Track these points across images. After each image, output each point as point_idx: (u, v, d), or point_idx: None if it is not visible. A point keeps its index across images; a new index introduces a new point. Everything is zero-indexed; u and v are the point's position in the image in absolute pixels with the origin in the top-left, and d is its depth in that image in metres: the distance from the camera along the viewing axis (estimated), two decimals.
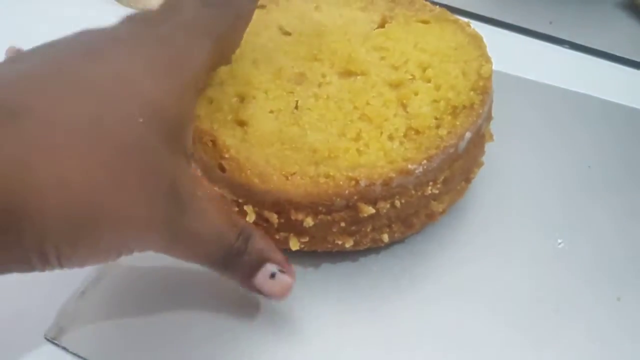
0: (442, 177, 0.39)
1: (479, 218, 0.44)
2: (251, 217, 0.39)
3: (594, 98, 0.52)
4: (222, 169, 0.38)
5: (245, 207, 0.39)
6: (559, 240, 0.43)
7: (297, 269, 0.42)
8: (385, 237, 0.40)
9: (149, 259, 0.36)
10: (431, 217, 0.41)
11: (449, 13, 0.46)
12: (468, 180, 0.42)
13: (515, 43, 0.60)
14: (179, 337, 0.40)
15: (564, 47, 0.59)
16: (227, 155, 0.38)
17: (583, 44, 0.59)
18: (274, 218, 0.39)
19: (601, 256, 0.42)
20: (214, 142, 0.39)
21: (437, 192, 0.39)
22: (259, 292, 0.35)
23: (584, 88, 0.53)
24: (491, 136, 0.42)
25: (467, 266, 0.42)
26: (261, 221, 0.39)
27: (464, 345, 0.39)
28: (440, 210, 0.41)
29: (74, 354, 0.39)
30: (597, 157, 0.48)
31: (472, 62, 0.42)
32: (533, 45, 0.61)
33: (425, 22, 0.45)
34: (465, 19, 0.46)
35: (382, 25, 0.45)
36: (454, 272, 0.42)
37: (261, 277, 0.35)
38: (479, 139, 0.41)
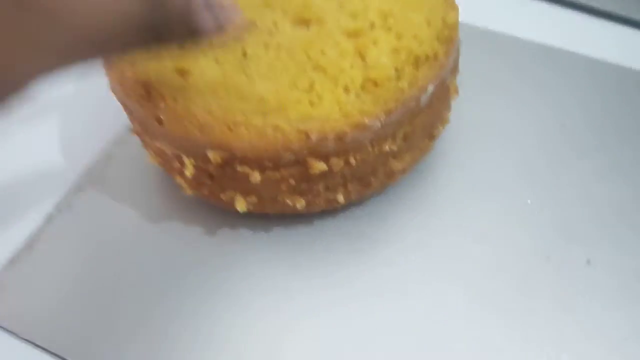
0: (402, 133, 0.35)
1: (442, 178, 0.41)
2: (190, 171, 0.33)
3: (567, 52, 0.48)
4: (160, 122, 0.33)
5: (185, 161, 0.33)
6: (528, 201, 0.38)
7: (246, 233, 0.37)
8: (341, 198, 0.35)
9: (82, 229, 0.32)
10: (391, 176, 0.36)
11: None
12: (431, 137, 0.38)
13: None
14: (112, 309, 0.34)
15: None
16: (162, 105, 0.33)
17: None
18: (218, 172, 0.33)
19: (570, 217, 0.37)
20: (148, 92, 0.33)
21: (396, 149, 0.34)
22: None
23: (556, 42, 0.48)
24: (456, 89, 0.38)
25: (428, 228, 0.38)
26: (204, 177, 0.34)
27: (423, 311, 0.34)
28: (401, 168, 0.36)
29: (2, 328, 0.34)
30: (571, 116, 0.43)
31: (437, 9, 0.37)
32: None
33: None
34: None
35: None
36: (415, 235, 0.38)
37: None
38: (444, 92, 0.36)
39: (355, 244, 0.38)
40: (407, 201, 0.40)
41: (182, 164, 0.35)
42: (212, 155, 0.34)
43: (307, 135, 0.33)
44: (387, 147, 0.35)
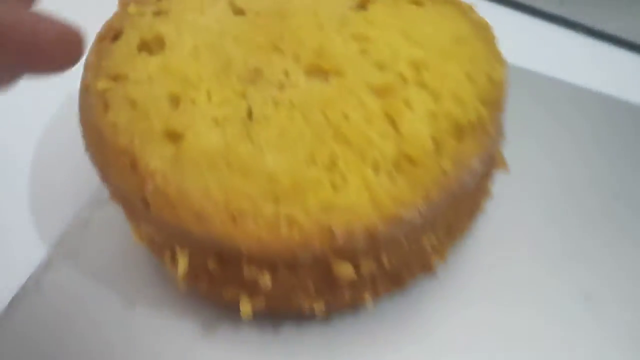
0: (445, 223, 0.28)
1: (480, 263, 0.34)
2: (183, 265, 0.27)
3: (617, 101, 0.41)
4: (146, 204, 0.26)
5: (177, 251, 0.26)
6: (585, 293, 0.32)
7: (250, 333, 0.31)
8: (368, 298, 0.29)
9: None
10: (427, 268, 0.30)
11: None
12: (473, 218, 0.31)
13: (516, 25, 0.48)
14: None
15: (576, 31, 0.47)
16: (150, 186, 0.25)
17: (600, 28, 0.46)
18: (219, 271, 0.26)
19: (633, 319, 0.32)
20: (134, 164, 0.26)
21: (436, 242, 0.28)
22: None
23: (602, 85, 0.41)
24: (504, 163, 0.31)
25: (465, 326, 0.33)
26: (201, 272, 0.27)
27: None
28: (439, 259, 0.30)
29: None
30: (624, 182, 0.37)
31: (480, 61, 0.30)
32: (539, 28, 0.48)
33: (418, 3, 0.33)
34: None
35: (363, 4, 0.33)
36: (450, 335, 0.32)
37: None
38: (490, 167, 0.30)
39: (380, 347, 0.32)
40: (441, 292, 0.34)
41: (174, 255, 0.29)
42: (212, 250, 0.28)
43: (331, 232, 0.26)
44: (426, 241, 0.29)
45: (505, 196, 0.36)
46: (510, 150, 0.34)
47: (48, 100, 0.43)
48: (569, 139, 0.41)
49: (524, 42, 0.46)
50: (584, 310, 0.34)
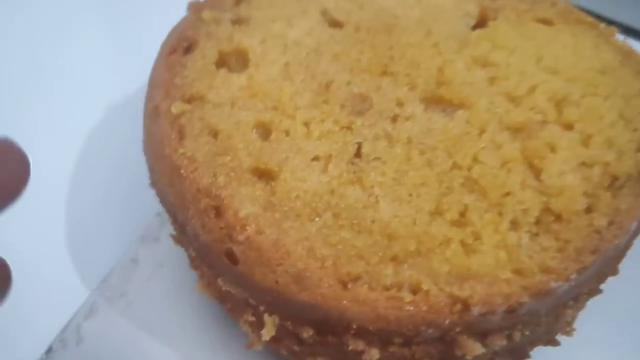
0: (587, 291, 0.23)
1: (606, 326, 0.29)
2: (269, 331, 0.22)
3: None
4: (233, 259, 0.21)
5: (265, 317, 0.22)
6: None
7: None
8: None
9: None
10: (552, 342, 0.25)
11: (576, 10, 0.29)
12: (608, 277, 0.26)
13: None
14: None
15: None
16: (241, 237, 0.21)
17: None
18: (314, 340, 0.22)
19: None
20: (219, 209, 0.21)
21: (575, 314, 0.23)
22: None
23: None
24: None
25: None
26: (289, 340, 0.23)
27: None
28: (568, 332, 0.25)
29: None
30: None
31: (634, 98, 0.25)
32: None
33: (546, 21, 0.28)
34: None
35: (482, 21, 0.29)
36: None
37: None
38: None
39: None
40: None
41: (259, 318, 0.24)
42: (311, 318, 0.23)
43: (466, 306, 0.22)
44: (566, 316, 0.24)
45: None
46: None
47: (83, 118, 0.38)
48: None
49: None
50: None
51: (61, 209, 0.36)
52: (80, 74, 0.41)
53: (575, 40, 0.29)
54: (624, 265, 0.27)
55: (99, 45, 0.43)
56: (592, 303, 0.28)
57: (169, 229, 0.29)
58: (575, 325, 0.27)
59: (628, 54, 0.29)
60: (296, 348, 0.25)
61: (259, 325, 0.25)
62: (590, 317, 0.29)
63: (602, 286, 0.28)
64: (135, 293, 0.32)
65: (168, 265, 0.33)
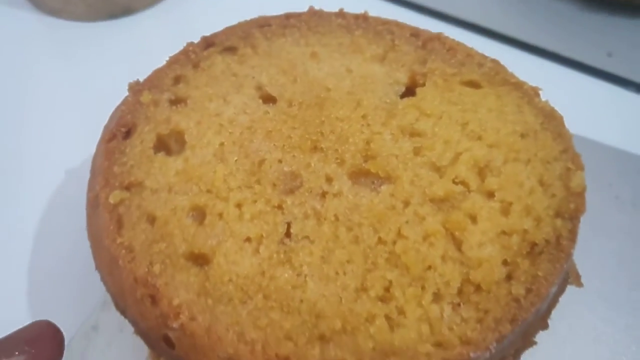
0: (513, 352, 0.25)
1: None
2: None
3: None
4: (170, 344, 0.24)
5: None
6: None
7: None
8: None
9: None
10: None
11: (505, 69, 0.31)
12: (537, 334, 0.29)
13: (561, 79, 0.45)
14: None
15: (628, 89, 0.44)
16: (175, 324, 0.23)
17: None
18: None
19: None
20: (154, 298, 0.24)
21: None
22: None
23: None
24: (578, 278, 0.29)
25: None
26: None
27: None
28: None
29: None
30: None
31: (553, 162, 0.28)
32: (586, 83, 0.45)
33: (474, 84, 0.31)
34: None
35: (411, 87, 0.31)
36: None
37: None
38: (563, 286, 0.27)
39: None
40: None
41: None
42: None
43: None
44: None
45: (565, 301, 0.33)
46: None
47: (46, 182, 0.41)
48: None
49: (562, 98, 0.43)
50: None
51: (23, 278, 0.38)
52: (42, 138, 0.44)
53: (500, 102, 0.32)
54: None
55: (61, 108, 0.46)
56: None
57: None
58: None
59: (549, 115, 0.31)
60: None
61: None
62: None
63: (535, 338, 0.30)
64: (95, 359, 0.35)
65: (127, 330, 0.35)
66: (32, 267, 0.38)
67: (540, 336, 0.30)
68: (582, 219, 0.28)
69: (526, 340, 0.29)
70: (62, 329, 0.30)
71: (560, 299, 0.31)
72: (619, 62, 0.47)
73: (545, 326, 0.30)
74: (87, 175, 0.32)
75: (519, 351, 0.28)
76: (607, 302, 0.36)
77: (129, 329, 0.32)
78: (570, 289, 0.31)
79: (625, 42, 0.48)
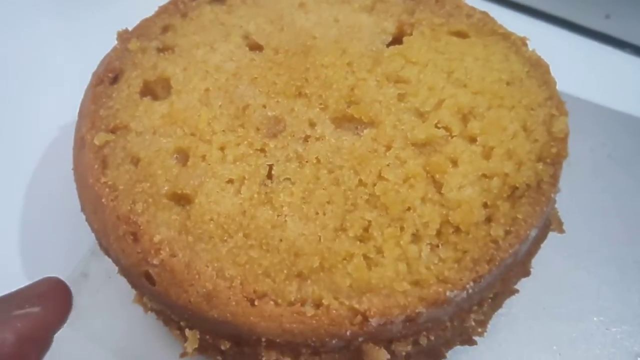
0: (491, 295, 0.26)
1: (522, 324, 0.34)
2: (192, 344, 0.25)
3: None
4: (150, 280, 0.25)
5: (186, 332, 0.25)
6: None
7: None
8: None
9: None
10: (467, 342, 0.29)
11: (494, 20, 0.32)
12: (519, 280, 0.30)
13: (557, 41, 0.46)
14: None
15: (625, 51, 0.45)
16: (155, 261, 0.24)
17: None
18: (233, 351, 0.25)
19: None
20: (136, 235, 0.25)
21: (482, 317, 0.26)
22: None
23: None
24: (560, 224, 0.29)
25: None
26: (213, 351, 0.27)
27: None
28: (481, 333, 0.28)
29: None
30: None
31: (537, 109, 0.28)
32: (583, 45, 0.47)
33: (461, 34, 0.31)
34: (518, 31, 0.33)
35: (398, 37, 0.32)
36: None
37: None
38: (544, 231, 0.28)
39: None
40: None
41: (182, 332, 0.28)
42: (225, 332, 0.26)
43: (364, 318, 0.25)
44: (471, 320, 0.27)
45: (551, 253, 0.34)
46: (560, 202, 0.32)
47: (39, 136, 0.42)
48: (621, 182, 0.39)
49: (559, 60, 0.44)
50: None
51: (14, 227, 0.39)
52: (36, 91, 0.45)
53: (487, 52, 0.32)
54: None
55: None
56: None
57: None
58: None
59: (536, 63, 0.32)
60: (220, 358, 0.29)
61: (184, 337, 0.28)
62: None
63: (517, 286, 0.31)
64: (85, 305, 0.36)
65: (115, 277, 0.36)
66: (24, 217, 0.40)
67: (523, 284, 0.31)
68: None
69: (506, 286, 0.29)
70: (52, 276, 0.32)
71: (548, 252, 0.32)
72: (617, 24, 0.47)
73: (526, 273, 0.31)
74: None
75: (498, 296, 0.29)
76: (594, 256, 0.37)
77: (117, 276, 0.33)
78: (559, 241, 0.32)
79: (623, 4, 0.48)
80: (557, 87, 0.31)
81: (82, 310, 0.35)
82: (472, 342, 0.31)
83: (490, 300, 0.29)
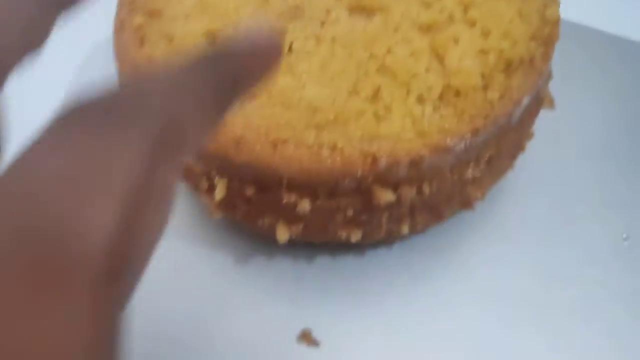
0: (487, 156, 0.30)
1: (518, 203, 0.38)
2: (221, 193, 0.29)
3: None
4: None
5: (216, 180, 0.29)
6: (624, 235, 0.34)
7: (284, 262, 0.36)
8: (405, 229, 0.32)
9: None
10: (466, 204, 0.32)
11: None
12: (514, 156, 0.33)
13: None
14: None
15: None
16: None
17: None
18: (257, 198, 0.29)
19: None
20: None
21: (478, 174, 0.30)
22: None
23: None
24: (551, 100, 0.33)
25: (498, 265, 0.36)
26: (238, 201, 0.30)
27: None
28: (479, 195, 0.32)
29: None
30: None
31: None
32: None
33: None
34: None
35: None
36: (482, 273, 0.36)
37: None
38: (536, 104, 0.32)
39: (413, 282, 0.35)
40: (476, 230, 0.36)
41: (212, 184, 0.31)
42: (251, 177, 0.30)
43: (374, 159, 0.29)
44: (469, 174, 0.31)
45: (546, 136, 0.38)
46: (555, 91, 0.36)
47: (74, 51, 0.46)
48: (610, 86, 0.43)
49: None
50: (621, 252, 0.36)
51: None
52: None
53: None
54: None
55: None
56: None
57: None
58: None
59: None
60: (246, 208, 0.32)
61: (213, 190, 0.32)
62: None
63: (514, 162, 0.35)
64: None
65: None
66: None
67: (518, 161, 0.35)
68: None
69: (501, 151, 0.33)
70: None
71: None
72: None
73: (521, 147, 0.35)
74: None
75: (494, 160, 0.33)
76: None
77: None
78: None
79: None
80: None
81: None
82: (469, 206, 0.34)
83: (486, 160, 0.32)
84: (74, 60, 0.45)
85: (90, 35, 0.45)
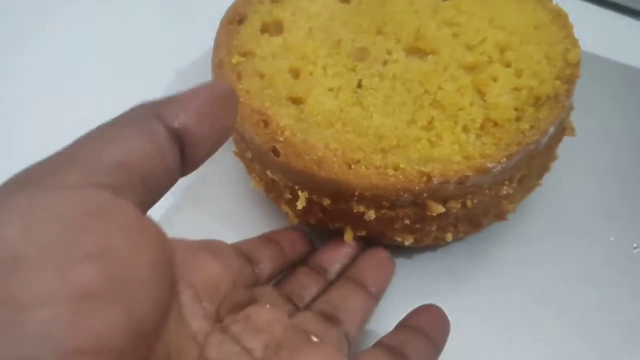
0: (519, 176, 0.39)
1: (546, 214, 0.46)
2: (302, 203, 0.38)
3: None
4: (276, 153, 0.38)
5: (299, 193, 0.38)
6: (634, 245, 0.43)
7: None
8: (449, 237, 0.40)
9: None
10: (500, 216, 0.41)
11: None
12: (541, 176, 0.42)
13: (592, 15, 0.58)
14: None
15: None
16: (281, 138, 0.37)
17: None
18: (331, 207, 0.38)
19: None
20: (266, 122, 0.38)
21: (511, 191, 0.39)
22: None
23: None
24: (572, 129, 0.42)
25: (529, 267, 0.44)
26: (315, 209, 0.39)
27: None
28: (511, 209, 0.40)
29: None
30: None
31: (557, 44, 0.41)
32: (616, 20, 0.60)
33: None
34: None
35: None
36: (515, 274, 0.44)
37: None
38: (560, 132, 0.41)
39: (453, 283, 0.43)
40: (508, 239, 0.45)
41: (295, 195, 0.40)
42: (328, 191, 0.39)
43: (429, 178, 0.37)
44: (503, 191, 0.40)
45: (568, 159, 0.46)
46: (576, 120, 0.45)
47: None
48: (622, 114, 0.52)
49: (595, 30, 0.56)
50: (632, 258, 0.44)
51: None
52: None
53: (520, 6, 0.45)
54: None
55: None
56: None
57: (231, 147, 0.46)
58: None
59: (558, 13, 0.45)
60: (321, 216, 0.42)
61: (294, 200, 0.41)
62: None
63: (541, 181, 0.44)
64: (208, 197, 0.49)
65: (230, 177, 0.49)
66: None
67: (544, 180, 0.44)
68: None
69: (530, 171, 0.42)
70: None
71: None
72: None
73: (546, 168, 0.44)
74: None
75: (524, 179, 0.42)
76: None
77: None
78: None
79: None
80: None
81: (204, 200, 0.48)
82: (503, 218, 0.43)
83: (518, 179, 0.41)
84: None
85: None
